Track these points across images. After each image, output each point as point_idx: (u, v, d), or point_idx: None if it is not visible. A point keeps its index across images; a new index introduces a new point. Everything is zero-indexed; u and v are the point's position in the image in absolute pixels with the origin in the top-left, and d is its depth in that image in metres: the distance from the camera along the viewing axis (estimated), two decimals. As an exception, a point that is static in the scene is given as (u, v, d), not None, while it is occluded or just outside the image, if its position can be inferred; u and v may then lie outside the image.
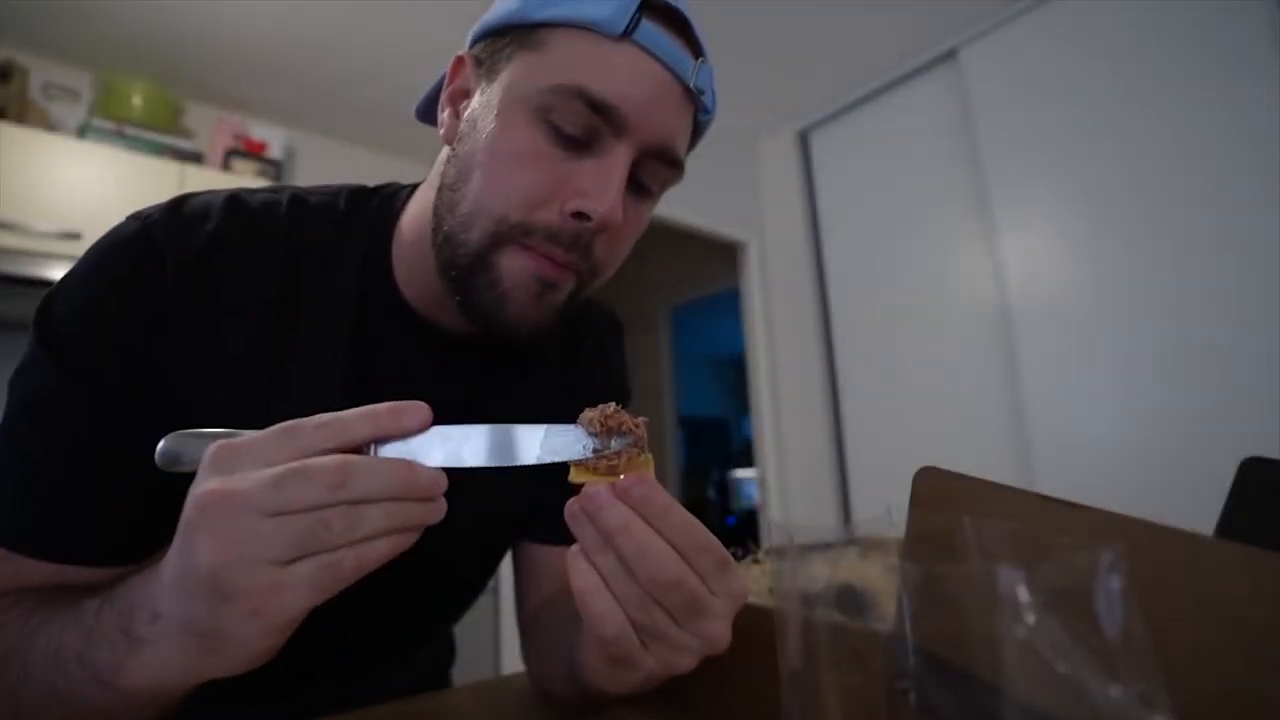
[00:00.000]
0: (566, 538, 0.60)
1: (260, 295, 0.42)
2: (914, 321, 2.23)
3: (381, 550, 0.28)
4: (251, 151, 2.15)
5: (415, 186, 0.50)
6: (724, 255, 2.86)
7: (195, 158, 1.99)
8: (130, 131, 1.89)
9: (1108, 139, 1.79)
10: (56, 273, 1.58)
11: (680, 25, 0.41)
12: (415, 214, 0.47)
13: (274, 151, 2.21)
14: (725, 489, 5.96)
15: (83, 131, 1.82)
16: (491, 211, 0.40)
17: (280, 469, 0.26)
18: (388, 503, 0.27)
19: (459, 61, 0.45)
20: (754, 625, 0.42)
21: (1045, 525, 0.29)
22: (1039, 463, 1.83)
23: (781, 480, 2.56)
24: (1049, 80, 1.92)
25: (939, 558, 0.25)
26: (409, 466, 0.28)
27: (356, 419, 0.28)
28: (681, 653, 0.31)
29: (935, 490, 0.34)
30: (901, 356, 2.25)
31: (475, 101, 0.42)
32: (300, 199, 0.46)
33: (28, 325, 0.40)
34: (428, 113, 0.50)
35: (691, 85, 0.41)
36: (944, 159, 2.18)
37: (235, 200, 0.43)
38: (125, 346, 0.39)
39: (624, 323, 0.66)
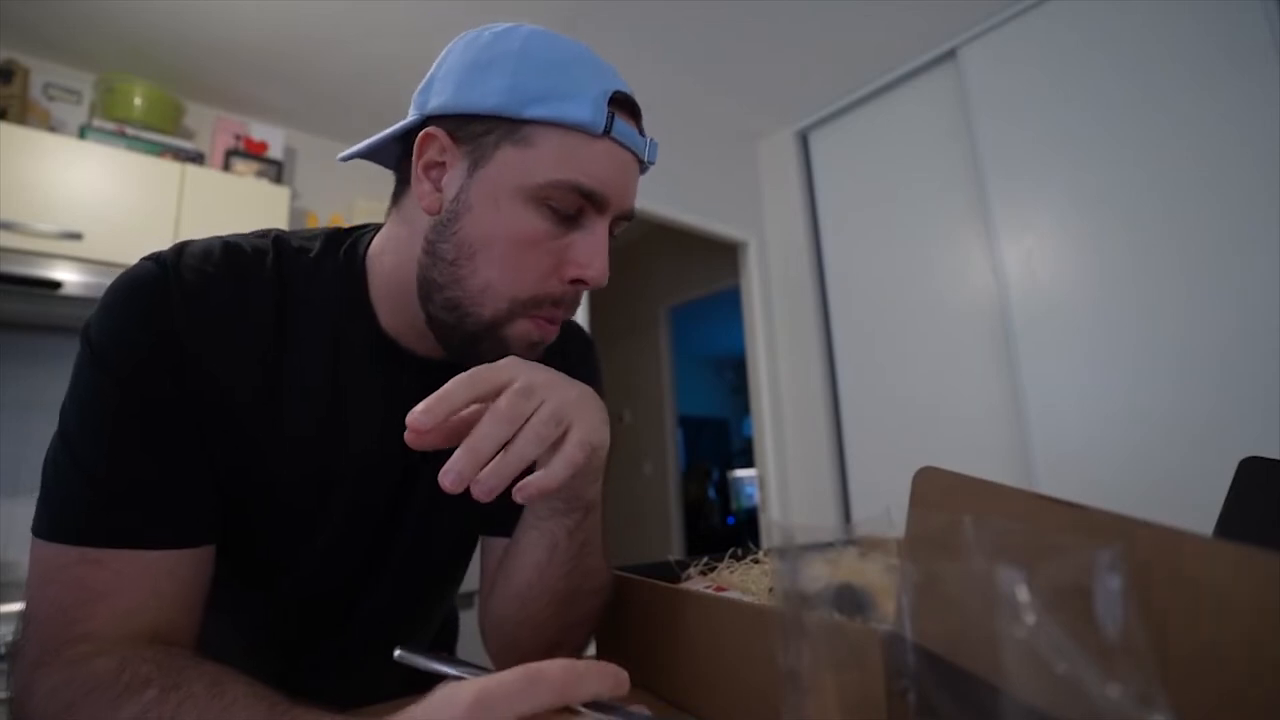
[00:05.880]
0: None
1: (255, 321, 0.47)
2: (914, 321, 2.23)
3: None
4: (252, 151, 2.15)
5: (378, 228, 0.55)
6: (724, 255, 2.86)
7: (196, 158, 1.99)
8: (131, 132, 1.89)
9: (1107, 139, 1.79)
10: (57, 273, 1.58)
11: (636, 111, 0.49)
12: (390, 257, 0.51)
13: (274, 151, 2.21)
14: (725, 489, 5.96)
15: (84, 132, 1.82)
16: (504, 293, 0.46)
17: None
18: None
19: (428, 136, 0.47)
20: (754, 625, 0.42)
21: (1045, 525, 0.29)
22: (1039, 463, 1.83)
23: (781, 480, 2.55)
24: (1049, 80, 1.92)
25: (939, 558, 0.25)
26: None
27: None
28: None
29: (935, 490, 0.34)
30: (901, 356, 2.25)
31: (456, 179, 0.46)
32: (283, 239, 0.52)
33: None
34: (374, 154, 0.54)
35: (646, 160, 0.49)
36: (944, 159, 2.18)
37: (231, 243, 0.49)
38: (155, 354, 0.43)
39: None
